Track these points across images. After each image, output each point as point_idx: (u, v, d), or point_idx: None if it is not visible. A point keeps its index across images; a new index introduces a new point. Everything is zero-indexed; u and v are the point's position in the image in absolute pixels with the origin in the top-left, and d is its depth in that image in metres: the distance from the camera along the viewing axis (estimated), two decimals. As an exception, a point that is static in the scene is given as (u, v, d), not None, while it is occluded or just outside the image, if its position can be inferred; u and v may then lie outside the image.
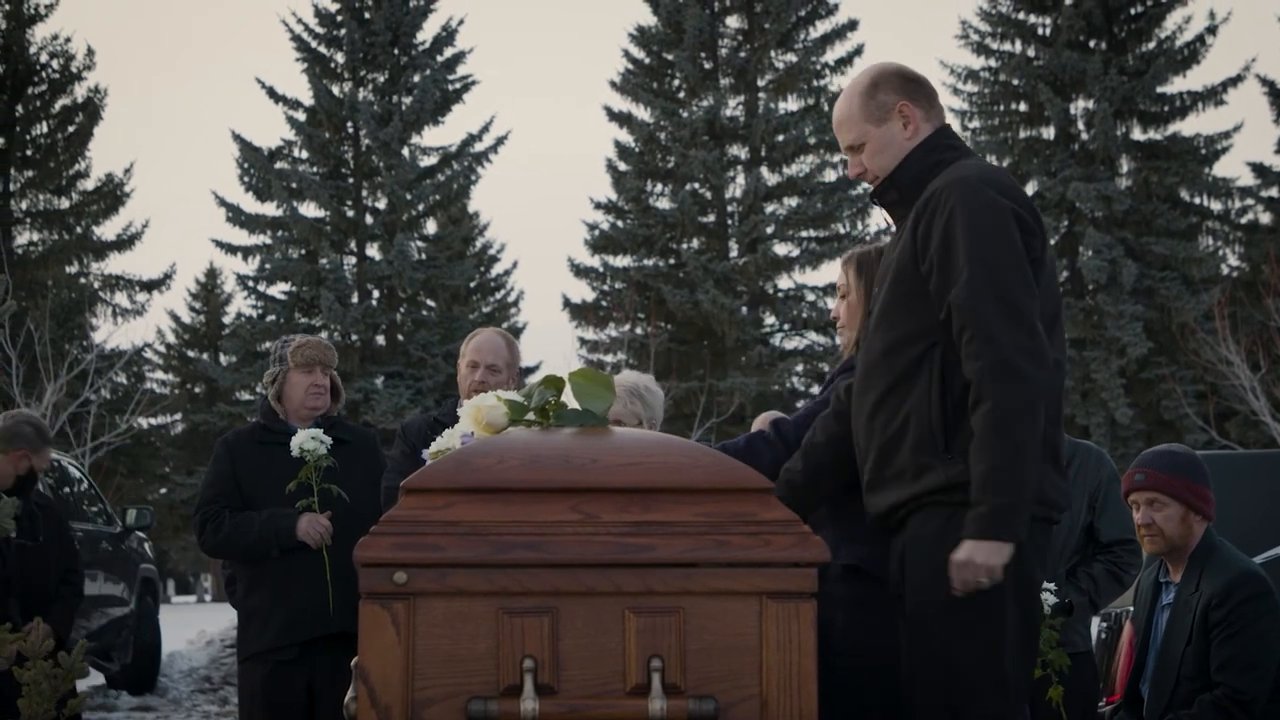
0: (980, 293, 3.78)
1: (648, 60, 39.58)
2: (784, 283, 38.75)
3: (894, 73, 4.25)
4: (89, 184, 37.33)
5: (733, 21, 39.38)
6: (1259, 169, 37.01)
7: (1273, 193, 37.27)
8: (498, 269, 46.14)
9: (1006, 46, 38.51)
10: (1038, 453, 3.75)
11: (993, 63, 38.54)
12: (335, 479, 6.18)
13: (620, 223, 39.04)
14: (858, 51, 39.19)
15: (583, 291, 39.71)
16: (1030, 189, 38.03)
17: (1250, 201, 37.35)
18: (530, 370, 35.49)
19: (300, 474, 6.10)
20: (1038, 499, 3.79)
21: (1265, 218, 37.33)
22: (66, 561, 7.79)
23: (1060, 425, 3.99)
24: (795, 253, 38.48)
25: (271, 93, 36.74)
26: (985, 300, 3.78)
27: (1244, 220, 37.56)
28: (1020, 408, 3.72)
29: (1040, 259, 3.95)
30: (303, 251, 36.46)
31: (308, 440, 6.07)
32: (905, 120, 4.18)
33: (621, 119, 39.06)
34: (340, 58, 36.95)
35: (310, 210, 36.18)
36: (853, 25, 39.28)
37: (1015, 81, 38.05)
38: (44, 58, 36.45)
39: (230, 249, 37.13)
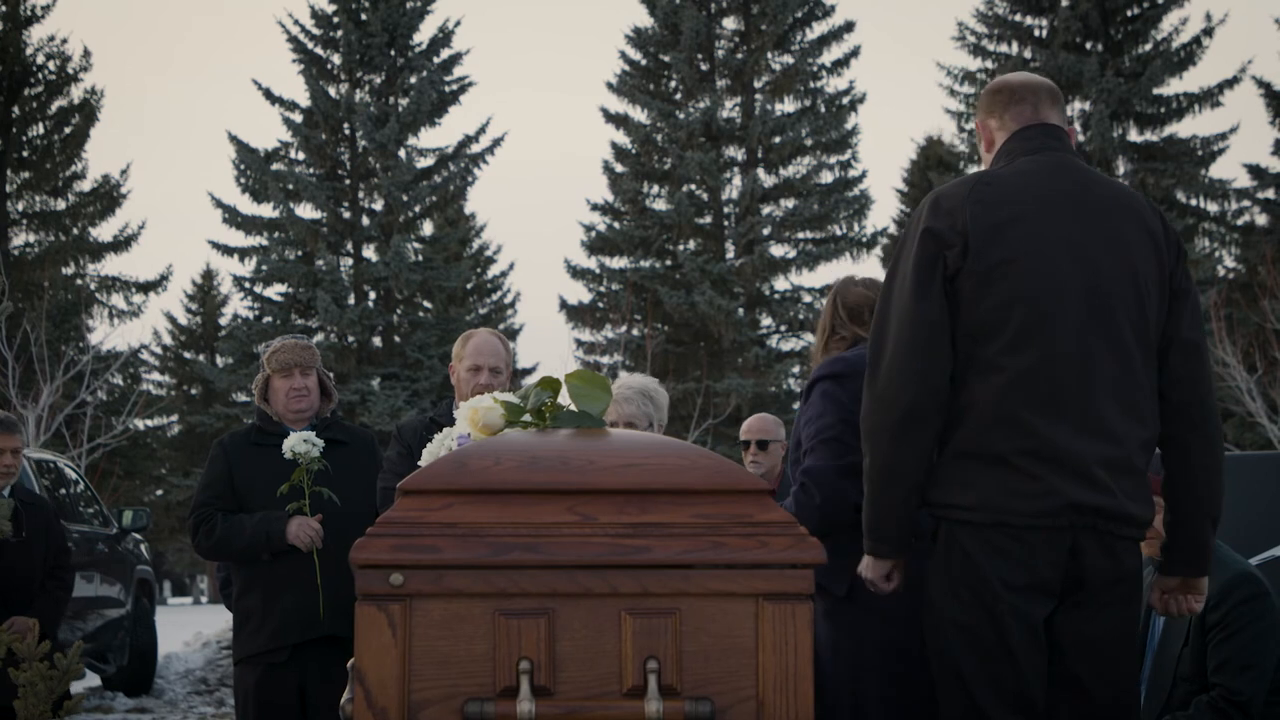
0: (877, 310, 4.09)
1: (644, 62, 39.58)
2: (781, 284, 38.77)
3: (985, 91, 4.32)
4: (85, 185, 37.33)
5: (729, 23, 39.38)
6: (1255, 171, 37.03)
7: (1269, 194, 37.28)
8: (494, 270, 46.18)
9: (1003, 48, 38.54)
10: (901, 468, 3.94)
11: (989, 64, 38.55)
12: (327, 481, 6.19)
13: (617, 224, 39.05)
14: (855, 53, 39.21)
15: (579, 293, 39.73)
16: (1027, 190, 37.98)
17: (1247, 203, 37.37)
18: (527, 372, 35.53)
19: (293, 476, 6.10)
20: (899, 513, 4.00)
21: (1262, 219, 37.35)
22: (54, 558, 7.79)
23: (973, 425, 3.95)
24: (792, 254, 38.48)
25: (268, 94, 36.75)
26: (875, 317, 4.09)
27: (1240, 222, 37.59)
28: (869, 430, 4.00)
29: (968, 270, 3.94)
30: (299, 253, 36.45)
31: (299, 443, 6.07)
32: (983, 140, 4.29)
33: (618, 120, 39.06)
34: (337, 59, 36.94)
35: (307, 212, 36.19)
36: (849, 27, 39.29)
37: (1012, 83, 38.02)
38: (40, 59, 36.44)
39: (226, 250, 37.13)
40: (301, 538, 6.16)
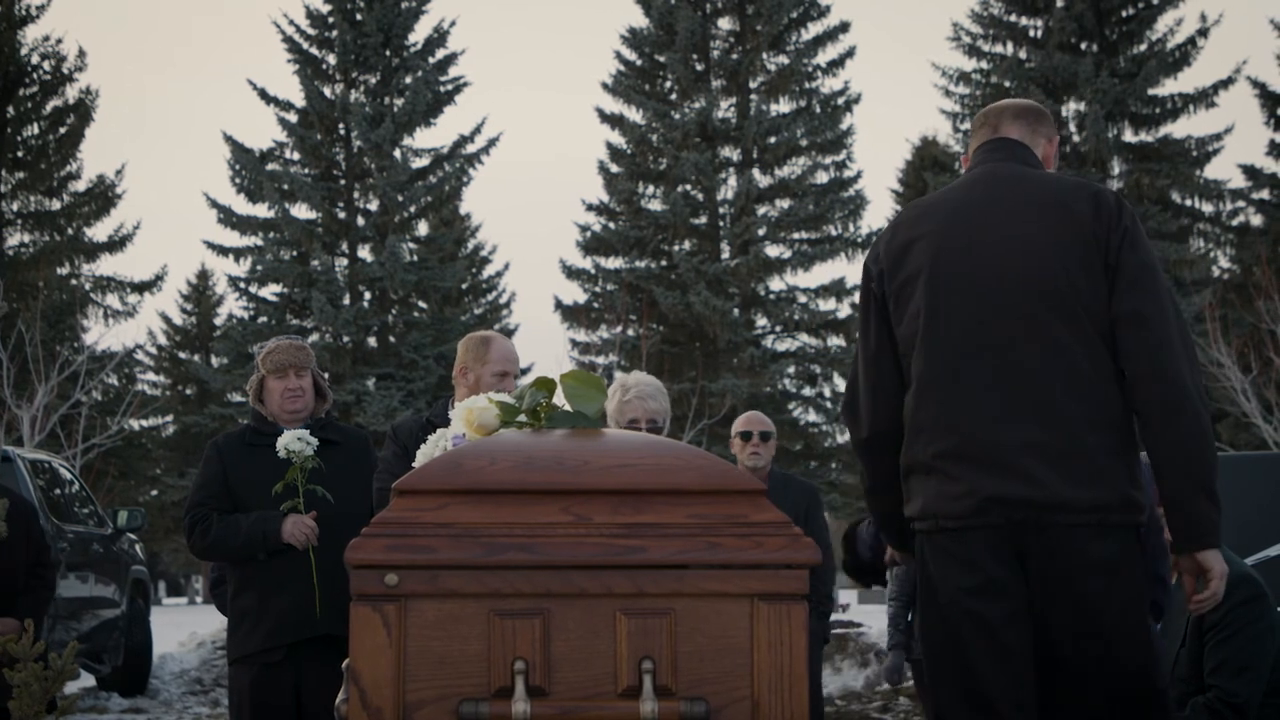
0: None
1: (639, 62, 39.59)
2: (776, 284, 38.77)
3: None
4: (80, 185, 37.33)
5: (724, 23, 39.39)
6: (1250, 171, 37.06)
7: (1264, 195, 37.31)
8: (489, 271, 46.15)
9: (998, 49, 38.57)
10: (881, 485, 4.19)
11: (984, 65, 38.59)
12: (321, 480, 6.19)
13: (612, 224, 39.05)
14: (850, 54, 39.22)
15: (574, 293, 39.73)
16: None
17: (1241, 204, 37.41)
18: (523, 372, 35.53)
19: (286, 475, 6.10)
20: (890, 524, 4.28)
21: (1256, 220, 37.38)
22: (35, 555, 7.79)
23: (924, 434, 4.02)
24: (787, 254, 38.48)
25: (263, 94, 36.74)
26: None
27: (1235, 222, 37.63)
28: (860, 458, 4.29)
29: (888, 294, 4.10)
30: (294, 253, 36.45)
31: (293, 441, 6.07)
32: (964, 169, 4.36)
33: (613, 121, 39.06)
34: (332, 59, 36.94)
35: (302, 212, 36.18)
36: (844, 27, 39.31)
37: (1007, 83, 38.07)
38: (35, 59, 36.42)
39: (221, 250, 37.12)
40: (297, 536, 6.16)
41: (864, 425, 4.15)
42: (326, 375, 6.78)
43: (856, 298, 42.05)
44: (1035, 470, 3.84)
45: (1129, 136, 37.53)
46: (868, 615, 26.60)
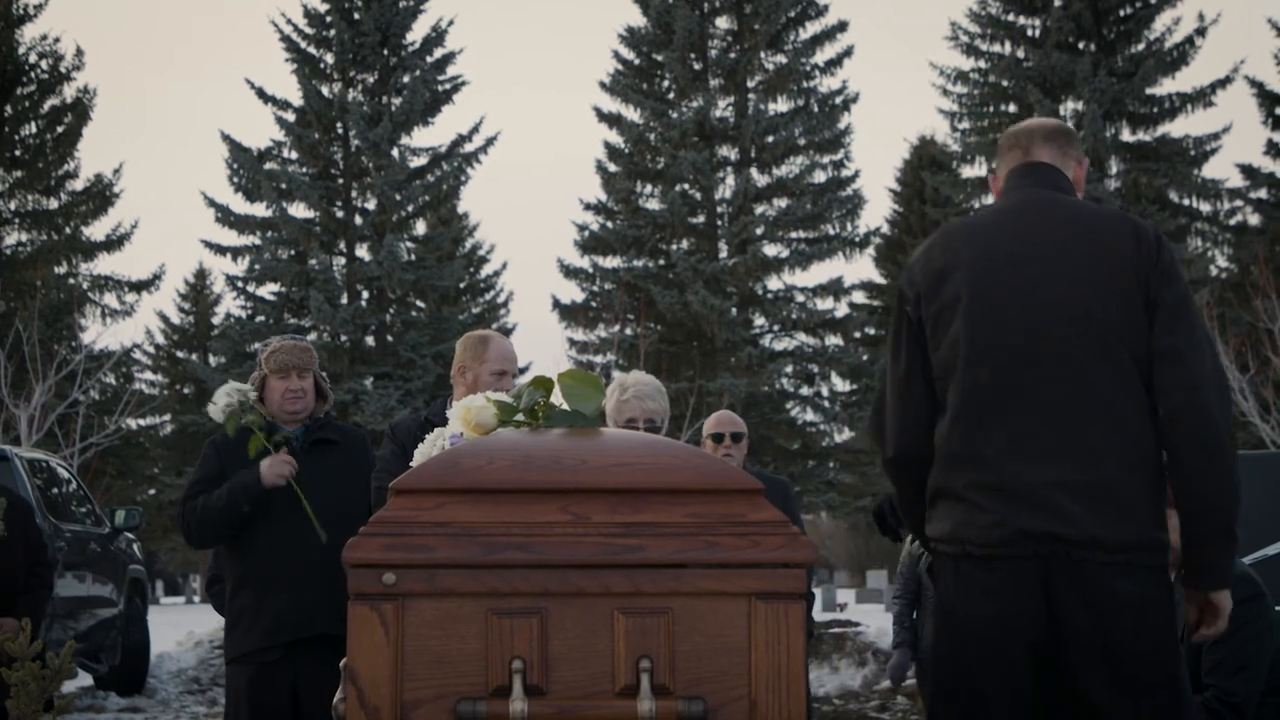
0: None
1: (637, 61, 39.59)
2: (773, 284, 38.79)
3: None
4: (78, 184, 37.32)
5: (722, 22, 39.41)
6: (1248, 170, 37.08)
7: (1261, 194, 37.33)
8: (487, 270, 46.25)
9: (996, 48, 38.58)
10: (910, 501, 4.20)
11: (982, 64, 38.60)
12: (320, 481, 6.24)
13: (610, 224, 39.06)
14: (848, 53, 39.23)
15: (572, 292, 39.75)
16: (1020, 190, 38.02)
17: (1239, 203, 37.44)
18: (520, 371, 35.53)
19: (250, 445, 6.17)
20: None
21: (1254, 219, 37.40)
22: (32, 554, 7.79)
23: (952, 463, 4.02)
24: (785, 254, 38.49)
25: (261, 93, 36.75)
26: None
27: (1233, 222, 37.65)
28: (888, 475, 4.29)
29: (925, 318, 4.07)
30: (292, 252, 36.45)
31: (224, 399, 6.16)
32: (994, 193, 4.35)
33: (611, 120, 39.06)
34: (330, 58, 36.94)
35: (300, 211, 36.19)
36: (842, 26, 39.32)
37: (1005, 83, 38.11)
38: (33, 58, 36.43)
39: (219, 249, 37.12)
40: (278, 472, 6.19)
41: (889, 445, 4.15)
42: (325, 375, 6.78)
43: (854, 297, 42.26)
44: (1066, 506, 3.83)
45: (1127, 136, 37.54)
46: (865, 614, 26.64)
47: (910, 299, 4.10)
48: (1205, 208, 37.47)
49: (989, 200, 36.92)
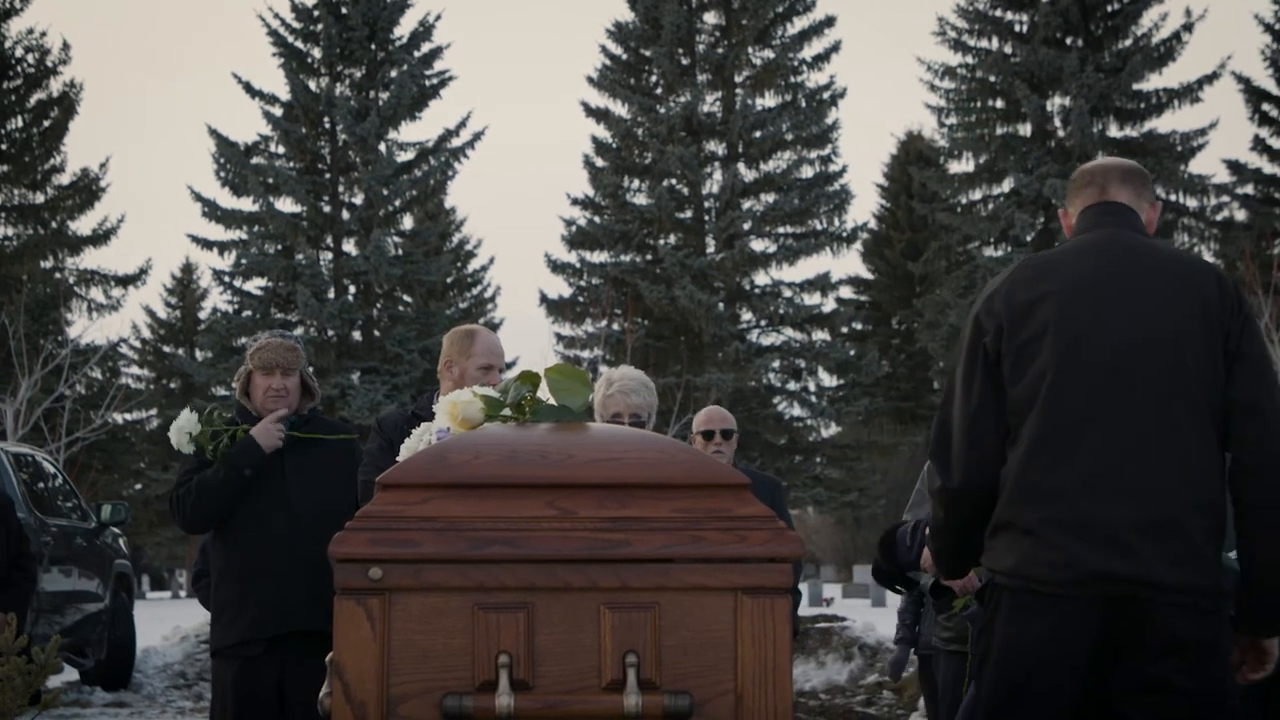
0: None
1: (625, 56, 39.60)
2: (761, 278, 38.82)
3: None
4: (64, 179, 37.27)
5: (710, 18, 39.42)
6: (1234, 166, 37.16)
7: (1248, 190, 37.42)
8: (474, 264, 46.22)
9: (984, 43, 38.63)
10: (951, 532, 4.24)
11: (970, 59, 38.65)
12: (307, 476, 6.26)
13: (597, 219, 39.07)
14: (835, 48, 39.27)
15: (560, 287, 39.78)
16: (1007, 186, 38.14)
17: (1226, 199, 37.53)
18: (507, 366, 35.51)
19: (216, 454, 6.20)
20: (953, 565, 4.42)
21: (1241, 215, 37.49)
22: (15, 547, 7.77)
23: (1021, 497, 4.03)
24: (772, 249, 38.52)
25: (248, 88, 36.70)
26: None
27: (1219, 217, 37.74)
28: (933, 504, 4.28)
29: (1005, 350, 4.06)
30: (279, 247, 36.42)
31: (181, 437, 6.20)
32: (1065, 228, 4.37)
33: (599, 115, 39.08)
34: (317, 53, 36.90)
35: (287, 205, 36.15)
36: (830, 21, 39.34)
37: (992, 78, 38.15)
38: (19, 52, 36.35)
39: (206, 244, 37.08)
40: (271, 437, 6.23)
41: (955, 477, 4.12)
42: (311, 369, 6.77)
43: (841, 292, 42.31)
44: (1137, 547, 3.87)
45: (1114, 131, 37.61)
46: (851, 609, 26.67)
47: (990, 331, 4.08)
48: (1192, 203, 37.57)
49: (976, 196, 36.83)
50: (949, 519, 4.21)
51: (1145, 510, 3.89)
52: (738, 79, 38.98)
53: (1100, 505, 3.90)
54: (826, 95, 38.98)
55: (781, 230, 38.76)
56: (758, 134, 38.32)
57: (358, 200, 36.49)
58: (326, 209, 36.39)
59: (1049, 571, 3.90)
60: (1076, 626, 3.90)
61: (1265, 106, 37.13)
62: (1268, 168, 37.35)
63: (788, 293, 38.55)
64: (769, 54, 38.90)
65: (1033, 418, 3.99)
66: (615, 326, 36.53)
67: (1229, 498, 4.03)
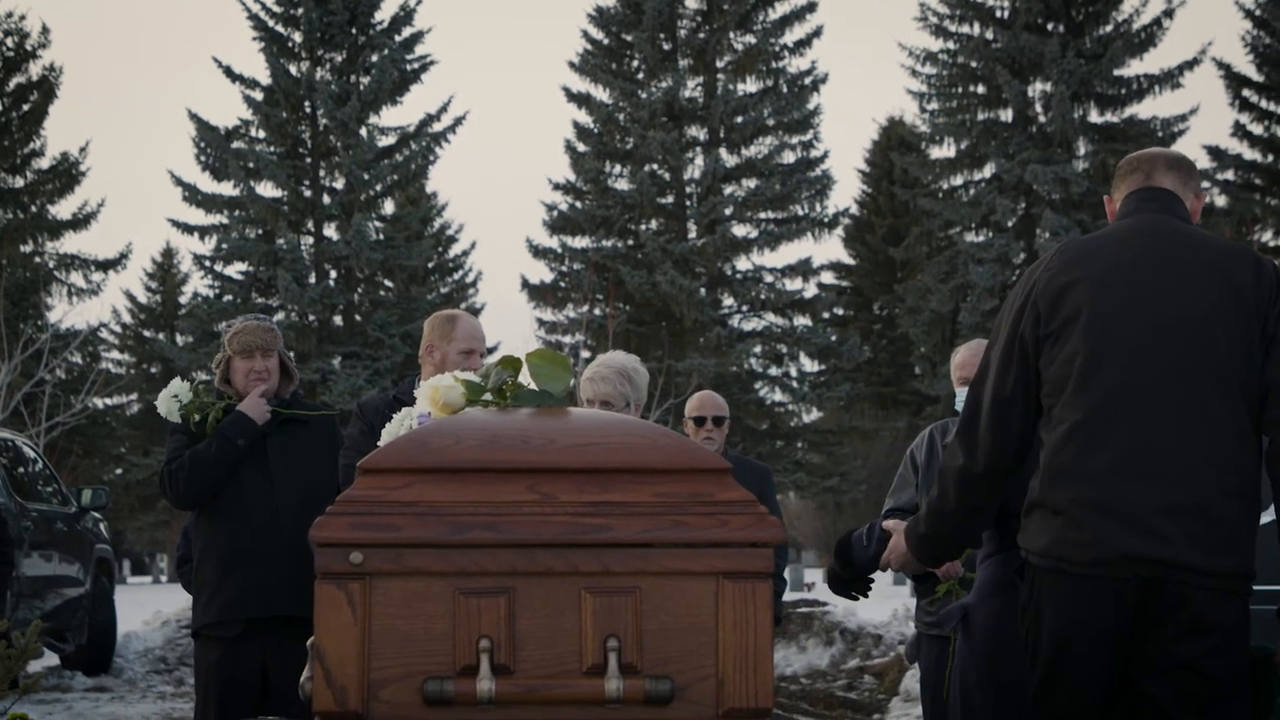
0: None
1: (606, 41, 39.55)
2: (742, 264, 38.83)
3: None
4: (44, 163, 37.16)
5: (691, 2, 39.38)
6: (1215, 152, 37.24)
7: (1229, 176, 37.51)
8: (456, 249, 46.16)
9: (965, 29, 38.65)
10: (955, 514, 4.27)
11: (951, 45, 38.67)
12: (289, 459, 6.27)
13: (579, 204, 39.05)
14: (817, 33, 39.26)
15: (541, 272, 39.78)
16: (988, 171, 38.17)
17: (1206, 184, 37.57)
18: (489, 351, 35.49)
19: (207, 426, 6.19)
20: (943, 551, 4.42)
21: (1221, 200, 37.56)
22: None
23: (1048, 477, 4.06)
24: (754, 234, 38.54)
25: (229, 72, 36.58)
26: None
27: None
28: (944, 472, 4.33)
29: (1042, 334, 4.10)
30: (260, 231, 36.34)
31: (173, 395, 6.19)
32: (1109, 214, 4.39)
33: (580, 100, 39.04)
34: (298, 37, 36.80)
35: (267, 190, 36.07)
36: (812, 7, 39.34)
37: (973, 64, 38.18)
38: (-2, 35, 36.21)
39: (187, 229, 36.98)
40: (260, 406, 6.28)
41: (981, 461, 4.16)
42: (292, 354, 6.76)
43: (823, 277, 42.33)
44: (1168, 531, 3.90)
45: (1095, 117, 37.66)
46: (832, 594, 26.68)
47: (1028, 313, 4.12)
48: (1172, 189, 37.59)
49: (957, 182, 36.89)
50: (959, 501, 4.24)
51: (1174, 493, 3.92)
52: (719, 64, 38.96)
53: (1129, 487, 3.94)
54: (808, 81, 38.99)
55: (763, 215, 38.77)
56: (739, 119, 38.31)
57: (339, 185, 36.41)
58: (307, 193, 36.32)
59: (1077, 551, 3.95)
60: (1104, 606, 3.95)
61: (1246, 92, 37.20)
62: (1248, 153, 37.44)
63: (769, 278, 38.57)
64: (750, 39, 38.88)
65: (1066, 399, 4.03)
66: (597, 312, 36.52)
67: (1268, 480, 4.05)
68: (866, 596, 5.50)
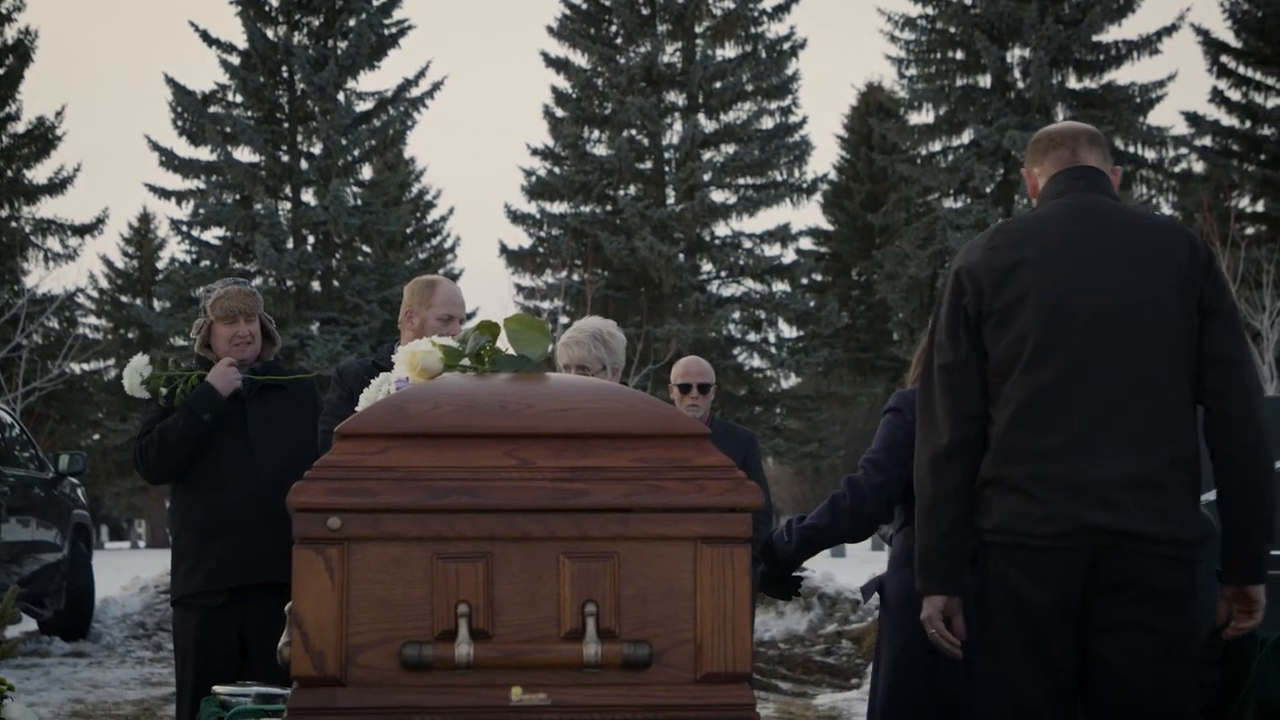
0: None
1: (585, 6, 39.44)
2: (721, 230, 38.81)
3: (1030, 142, 4.51)
4: (19, 127, 36.98)
5: (670, -33, 39.27)
6: (1192, 118, 37.26)
7: (1206, 142, 37.54)
8: (434, 215, 46.10)
9: (944, -6, 38.57)
10: (939, 502, 4.20)
11: (930, 10, 38.60)
12: (268, 423, 6.25)
13: (557, 169, 38.98)
14: (795, -2, 39.16)
15: (520, 238, 39.71)
16: (966, 137, 38.16)
17: (1184, 150, 37.65)
18: (467, 317, 35.44)
19: (175, 399, 6.15)
20: (942, 548, 4.23)
21: (1198, 167, 37.62)
22: None
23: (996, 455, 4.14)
24: (732, 200, 38.52)
25: (205, 36, 36.38)
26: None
27: (1178, 169, 37.85)
28: (915, 470, 4.29)
29: (986, 312, 4.16)
30: (237, 196, 36.22)
31: (136, 372, 6.14)
32: (1029, 188, 4.46)
33: (559, 65, 38.94)
34: (275, 1, 36.60)
35: (244, 155, 35.93)
36: (791, -28, 39.22)
37: (952, 29, 38.13)
38: (-28, -1, 36.01)
39: (164, 193, 36.84)
40: (229, 377, 6.22)
41: (946, 434, 4.19)
42: (272, 319, 6.74)
43: (802, 243, 42.32)
44: (1123, 501, 4.00)
45: (1073, 83, 37.66)
46: (813, 560, 26.74)
47: (970, 294, 4.18)
48: (1150, 155, 37.66)
49: (935, 148, 36.80)
50: (937, 486, 4.22)
51: (1129, 465, 4.03)
52: (698, 29, 38.88)
53: (1089, 462, 4.04)
54: (787, 46, 38.92)
55: (741, 181, 38.75)
56: (718, 84, 38.25)
57: (316, 150, 36.27)
58: (285, 159, 36.18)
59: (1037, 525, 4.03)
60: (1067, 578, 4.04)
61: (1224, 58, 37.21)
62: (1226, 119, 37.47)
63: (748, 244, 38.56)
64: (729, 4, 38.79)
65: (1017, 378, 4.11)
66: (575, 277, 36.47)
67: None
68: (799, 594, 5.56)
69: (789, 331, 39.42)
